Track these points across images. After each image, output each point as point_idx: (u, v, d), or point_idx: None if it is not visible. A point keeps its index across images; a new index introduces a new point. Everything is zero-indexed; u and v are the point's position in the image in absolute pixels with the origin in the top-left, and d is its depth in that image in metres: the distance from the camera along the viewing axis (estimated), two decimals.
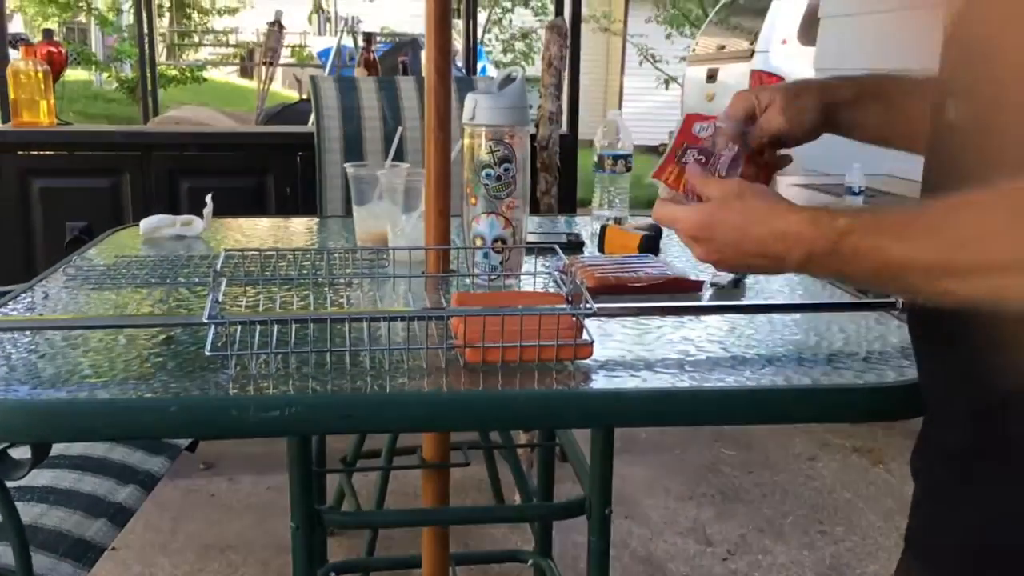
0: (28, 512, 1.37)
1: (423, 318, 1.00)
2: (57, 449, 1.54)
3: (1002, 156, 0.64)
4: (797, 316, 1.16)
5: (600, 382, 0.93)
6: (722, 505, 2.82)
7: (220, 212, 1.68)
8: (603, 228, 1.53)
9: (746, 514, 2.77)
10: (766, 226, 0.78)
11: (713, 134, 0.99)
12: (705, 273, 1.25)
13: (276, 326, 0.97)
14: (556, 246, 1.25)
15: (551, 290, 1.20)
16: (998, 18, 0.64)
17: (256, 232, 1.72)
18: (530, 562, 2.10)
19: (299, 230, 1.79)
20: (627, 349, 1.02)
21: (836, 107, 1.01)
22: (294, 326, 0.99)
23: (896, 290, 0.67)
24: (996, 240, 0.63)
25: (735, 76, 7.51)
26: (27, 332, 1.04)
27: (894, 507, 2.81)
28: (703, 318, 1.13)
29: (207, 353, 0.91)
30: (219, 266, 1.07)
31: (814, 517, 2.78)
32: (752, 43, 7.34)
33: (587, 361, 0.97)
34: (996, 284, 0.64)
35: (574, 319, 0.97)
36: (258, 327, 0.97)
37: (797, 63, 6.64)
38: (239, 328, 0.97)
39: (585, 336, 0.97)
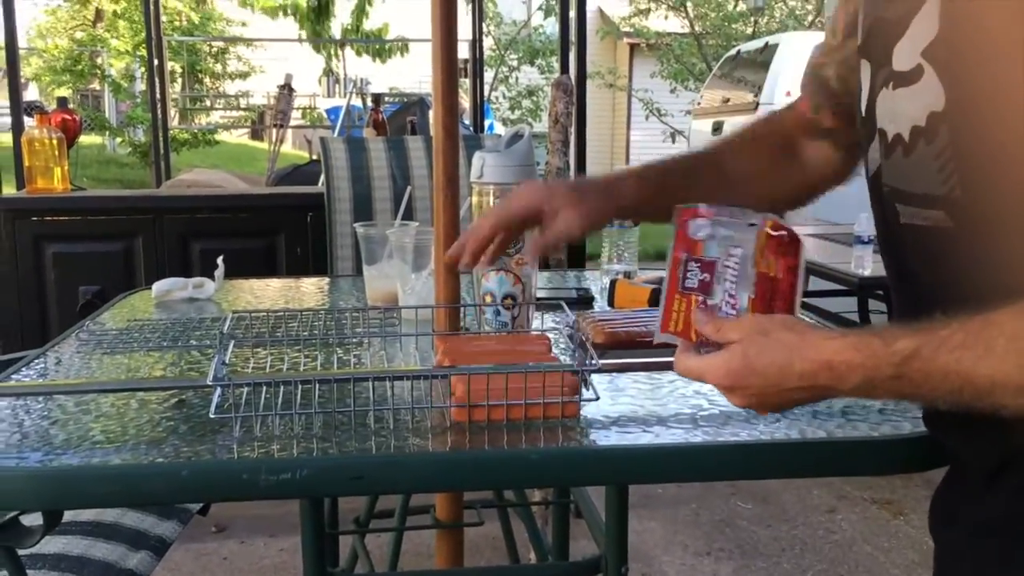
0: None
1: (424, 377, 1.00)
2: (69, 515, 1.53)
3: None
4: None
5: (613, 438, 0.92)
6: (740, 560, 2.77)
7: (232, 274, 1.70)
8: (613, 283, 1.53)
9: (765, 569, 2.72)
10: (806, 360, 0.72)
11: (711, 231, 0.85)
12: None
13: (283, 388, 0.97)
14: (563, 302, 1.25)
15: (561, 345, 1.20)
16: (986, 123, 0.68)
17: (267, 293, 1.73)
18: None
19: (310, 290, 1.80)
20: (639, 404, 1.02)
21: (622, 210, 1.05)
22: (300, 387, 0.99)
23: (980, 408, 0.64)
24: None
25: None
26: (40, 398, 1.04)
27: (916, 559, 2.76)
28: None
29: (212, 415, 0.91)
30: (226, 328, 1.08)
31: (835, 572, 2.72)
32: (756, 95, 7.41)
33: (599, 417, 0.96)
34: None
35: (565, 376, 0.96)
36: (264, 389, 0.97)
37: None
38: (245, 390, 0.97)
39: (589, 393, 0.96)
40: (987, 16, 0.67)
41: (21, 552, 1.14)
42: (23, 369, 1.19)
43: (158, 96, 4.68)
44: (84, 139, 10.93)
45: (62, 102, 3.86)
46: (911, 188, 0.76)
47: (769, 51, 7.66)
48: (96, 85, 15.14)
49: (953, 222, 0.73)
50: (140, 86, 12.64)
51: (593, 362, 0.98)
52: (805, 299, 1.15)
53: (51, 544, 1.46)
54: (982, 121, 0.69)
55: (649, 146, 13.51)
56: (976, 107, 0.70)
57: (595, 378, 1.01)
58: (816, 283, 3.98)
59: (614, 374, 1.11)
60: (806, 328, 0.76)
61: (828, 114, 1.02)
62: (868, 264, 3.07)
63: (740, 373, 0.76)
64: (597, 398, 0.96)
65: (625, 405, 1.01)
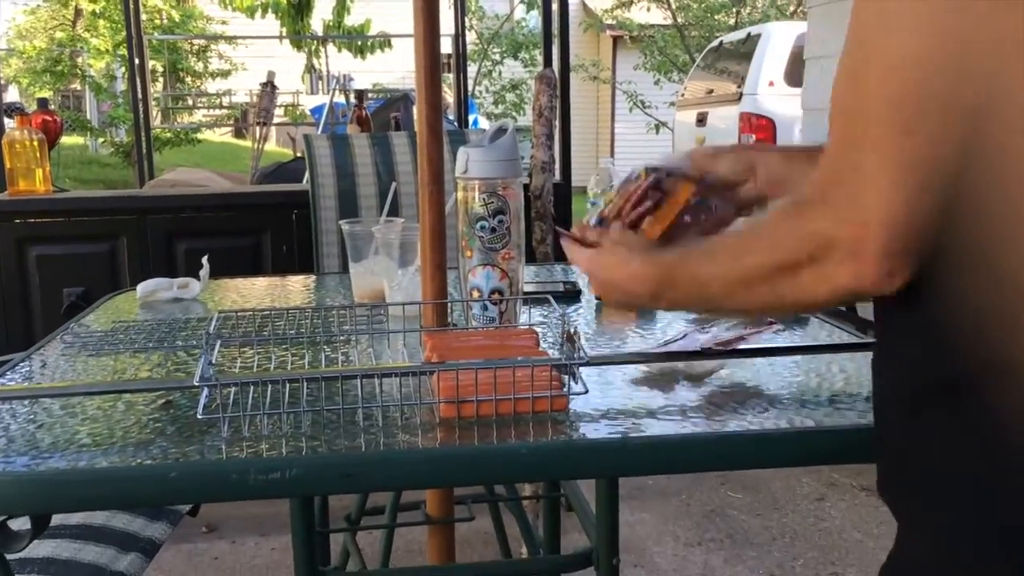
0: None
1: (412, 374, 1.00)
2: (57, 519, 1.52)
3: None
4: (797, 358, 1.16)
5: (602, 431, 0.92)
6: (731, 550, 2.78)
7: (217, 273, 1.69)
8: None
9: (756, 558, 2.74)
10: (622, 270, 0.90)
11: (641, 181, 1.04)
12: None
13: (270, 387, 0.97)
14: (550, 296, 1.25)
15: (549, 339, 1.20)
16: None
17: (253, 292, 1.72)
18: None
19: (296, 288, 1.79)
20: (628, 397, 1.02)
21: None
22: (288, 386, 0.98)
23: (711, 311, 0.85)
24: (763, 243, 0.74)
25: (724, 119, 7.59)
26: (25, 402, 1.03)
27: None
28: (703, 363, 1.13)
29: (199, 416, 0.90)
30: (212, 327, 1.07)
31: (825, 559, 2.74)
32: (740, 86, 7.43)
33: (588, 410, 0.96)
34: (768, 289, 0.73)
35: (551, 370, 0.96)
36: (252, 388, 0.97)
37: (784, 104, 6.71)
38: (232, 390, 0.97)
39: (579, 386, 0.96)
40: None
41: (9, 557, 1.13)
42: (8, 372, 1.18)
43: (140, 95, 4.65)
44: (66, 140, 10.85)
45: (42, 103, 3.83)
46: None
47: (752, 41, 7.67)
48: (77, 86, 15.03)
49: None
50: (121, 86, 12.56)
51: (581, 355, 0.98)
52: None
53: (40, 548, 1.46)
54: None
55: (633, 138, 13.53)
56: None
57: (584, 371, 1.01)
58: None
59: (603, 367, 1.11)
60: (633, 248, 0.92)
61: None
62: None
63: (590, 273, 0.98)
64: (586, 391, 0.96)
65: (614, 398, 1.01)
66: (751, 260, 0.75)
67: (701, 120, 8.14)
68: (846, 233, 0.65)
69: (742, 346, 1.11)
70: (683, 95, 9.20)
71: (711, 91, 8.26)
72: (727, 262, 0.78)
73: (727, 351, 1.11)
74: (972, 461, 0.65)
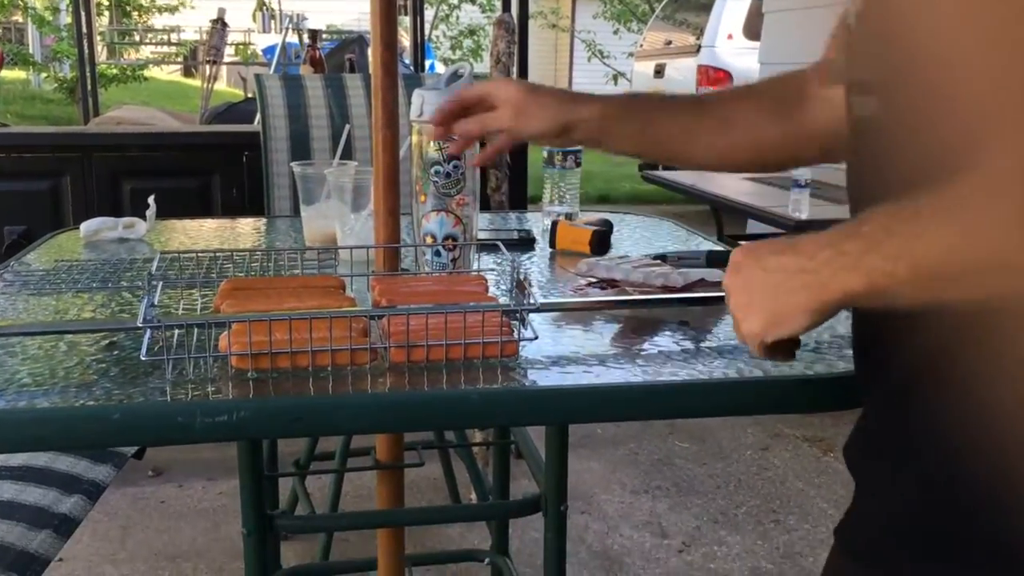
0: None
1: (362, 317, 0.99)
2: None
3: (936, 148, 0.62)
4: None
5: (553, 379, 0.92)
6: (677, 497, 2.84)
7: (164, 214, 1.65)
8: (554, 224, 1.53)
9: (701, 506, 2.79)
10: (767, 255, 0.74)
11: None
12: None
13: (215, 329, 0.95)
14: (501, 243, 1.25)
15: (502, 287, 1.19)
16: (905, 9, 0.64)
17: (201, 234, 1.69)
18: (487, 560, 2.09)
19: (246, 231, 1.76)
20: (579, 344, 1.02)
21: (575, 124, 1.06)
22: (234, 328, 0.97)
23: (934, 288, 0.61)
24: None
25: (682, 71, 7.58)
26: None
27: (845, 495, 2.85)
28: (655, 312, 1.14)
29: (143, 358, 0.88)
30: (154, 268, 1.05)
31: (767, 507, 2.81)
32: (698, 38, 7.41)
33: (539, 357, 0.96)
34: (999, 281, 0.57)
35: (501, 316, 0.96)
36: (196, 330, 0.95)
37: (743, 58, 6.72)
38: (177, 332, 0.95)
39: (529, 332, 0.96)
40: None
41: None
42: None
43: (84, 29, 4.50)
44: (7, 74, 10.50)
45: None
46: (853, 73, 0.75)
47: None
48: (19, 18, 14.49)
49: (887, 111, 0.70)
50: (65, 19, 12.14)
51: (531, 301, 0.98)
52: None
53: None
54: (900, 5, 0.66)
55: (592, 88, 13.41)
56: None
57: (536, 318, 1.01)
58: (754, 226, 4.04)
59: (555, 314, 1.11)
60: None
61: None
62: (805, 208, 3.11)
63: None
64: (536, 337, 0.96)
65: (565, 345, 1.01)
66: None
67: (659, 71, 8.12)
68: None
69: (698, 291, 1.12)
70: (642, 45, 9.15)
71: (670, 42, 8.23)
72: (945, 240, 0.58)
73: (677, 299, 1.11)
74: (945, 438, 0.66)
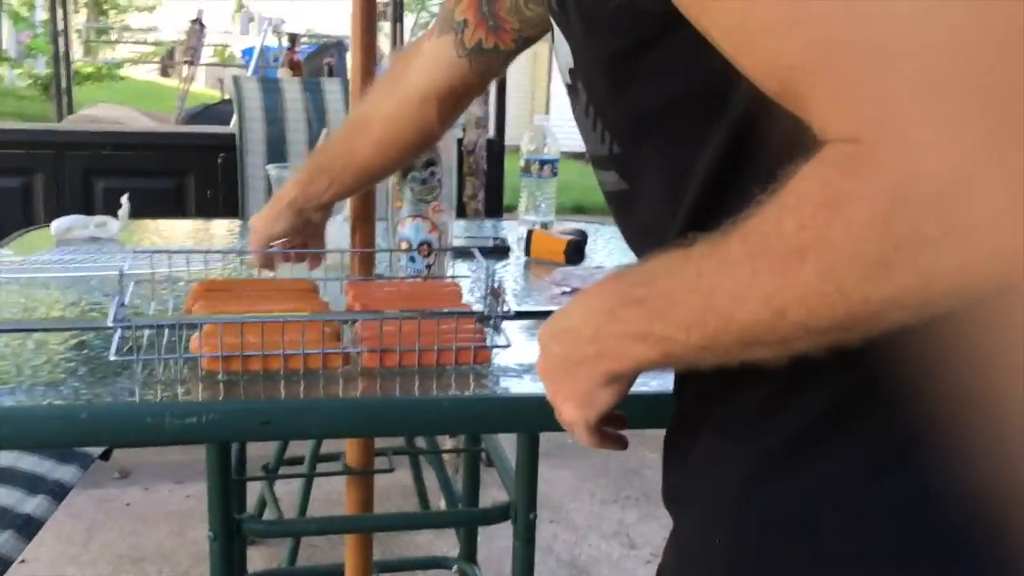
0: None
1: (334, 321, 0.98)
2: None
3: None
4: None
5: (525, 386, 0.93)
6: (646, 507, 2.84)
7: (138, 214, 1.64)
8: (530, 233, 1.53)
9: (668, 516, 2.80)
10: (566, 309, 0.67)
11: None
12: None
13: (186, 330, 0.94)
14: (476, 251, 1.25)
15: (476, 294, 1.20)
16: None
17: (175, 234, 1.68)
18: (455, 568, 2.09)
19: (219, 232, 1.75)
20: None
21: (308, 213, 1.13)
22: (203, 330, 0.96)
23: (730, 352, 0.52)
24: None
25: None
26: None
27: None
28: None
29: (112, 358, 0.88)
30: (126, 268, 1.04)
31: None
32: None
33: (512, 365, 0.96)
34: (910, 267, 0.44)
35: (474, 323, 0.96)
36: (167, 331, 0.94)
37: None
38: (147, 332, 0.94)
39: (502, 340, 0.96)
40: None
41: None
42: None
43: (60, 26, 4.46)
44: None
45: None
46: (590, 150, 0.69)
47: None
48: None
49: (627, 183, 0.66)
50: (41, 15, 12.03)
51: (505, 309, 0.98)
52: None
53: None
54: (599, 74, 0.62)
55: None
56: (591, 61, 0.62)
57: (510, 326, 1.01)
58: None
59: (530, 321, 1.11)
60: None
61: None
62: None
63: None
64: (509, 345, 0.97)
65: (538, 353, 1.01)
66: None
67: None
68: None
69: None
70: None
71: None
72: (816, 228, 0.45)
73: None
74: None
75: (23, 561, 2.32)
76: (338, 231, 1.35)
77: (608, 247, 1.63)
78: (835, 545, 0.54)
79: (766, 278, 0.46)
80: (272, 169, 1.50)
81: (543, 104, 14.33)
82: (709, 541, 0.61)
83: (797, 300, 0.45)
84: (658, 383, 0.93)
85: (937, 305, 0.43)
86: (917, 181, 0.40)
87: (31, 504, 1.45)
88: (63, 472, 1.55)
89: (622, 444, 0.71)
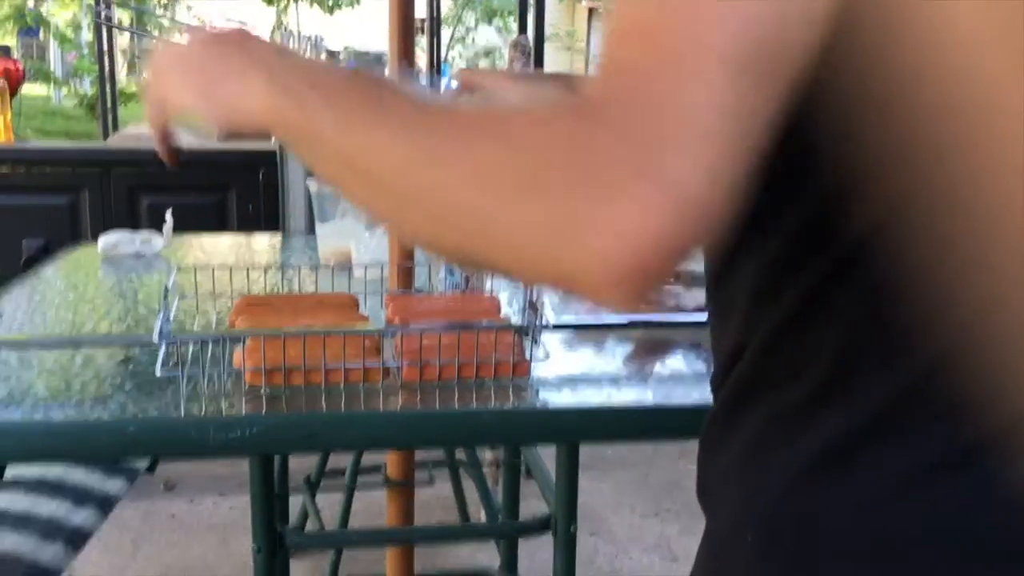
0: None
1: (375, 335, 0.99)
2: (12, 472, 1.51)
3: None
4: None
5: (564, 398, 0.93)
6: (687, 521, 2.82)
7: (181, 229, 1.66)
8: None
9: None
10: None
11: None
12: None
13: (230, 344, 0.96)
14: None
15: (514, 306, 1.20)
16: None
17: (217, 249, 1.70)
18: None
19: (261, 247, 1.77)
20: (591, 365, 1.02)
21: None
22: (247, 344, 0.98)
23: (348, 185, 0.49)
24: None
25: None
26: None
27: None
28: (668, 333, 1.14)
29: (158, 373, 0.89)
30: (170, 283, 1.06)
31: None
32: None
33: (551, 377, 0.96)
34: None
35: (513, 335, 0.97)
36: (211, 345, 0.96)
37: None
38: (191, 347, 0.96)
39: (541, 352, 0.97)
40: None
41: None
42: None
43: (105, 47, 4.56)
44: (29, 90, 10.61)
45: (4, 50, 3.74)
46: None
47: None
48: (41, 35, 14.68)
49: None
50: (87, 36, 12.29)
51: (544, 321, 0.98)
52: None
53: None
54: None
55: None
56: None
57: (548, 338, 1.02)
58: None
59: (568, 332, 1.11)
60: None
61: None
62: None
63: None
64: (547, 357, 0.97)
65: (577, 365, 1.02)
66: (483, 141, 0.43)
67: None
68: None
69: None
70: None
71: None
72: (442, 128, 0.44)
73: (695, 323, 1.11)
74: None
75: (71, 574, 2.36)
76: (377, 245, 1.36)
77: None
78: (874, 561, 0.53)
79: (409, 133, 0.45)
80: (312, 183, 1.52)
81: None
82: (740, 539, 0.60)
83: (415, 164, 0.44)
84: (699, 395, 0.93)
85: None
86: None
87: (80, 516, 1.47)
88: (111, 485, 1.58)
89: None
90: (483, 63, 14.10)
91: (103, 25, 5.56)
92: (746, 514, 0.59)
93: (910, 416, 0.52)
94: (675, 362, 1.04)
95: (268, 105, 0.53)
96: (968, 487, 0.50)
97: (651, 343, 1.11)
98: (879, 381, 0.52)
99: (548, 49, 3.57)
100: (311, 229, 1.85)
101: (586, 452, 1.71)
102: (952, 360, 0.48)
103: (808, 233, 0.52)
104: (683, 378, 0.98)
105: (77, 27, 12.97)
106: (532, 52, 2.99)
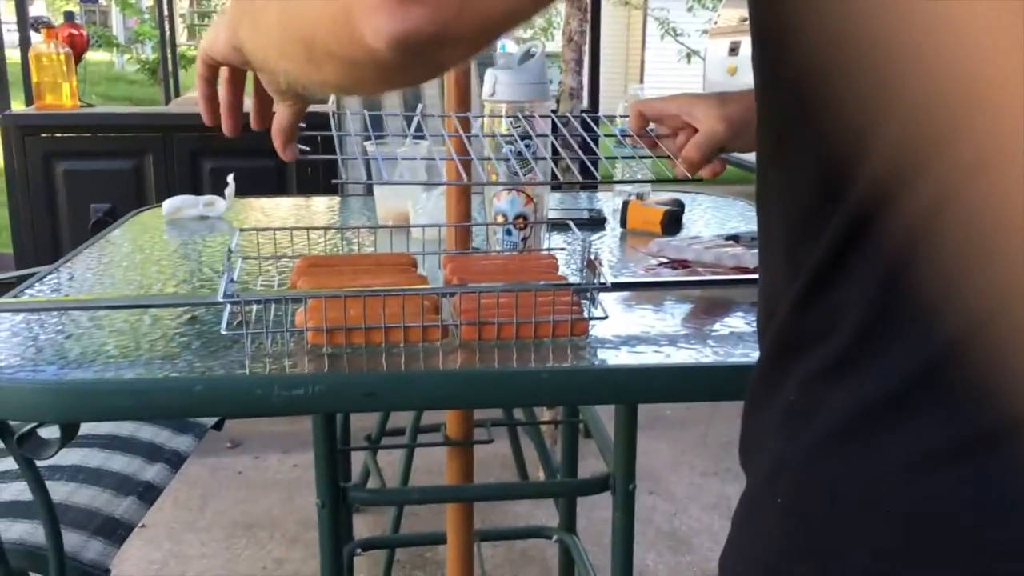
0: (58, 491, 1.39)
1: (434, 294, 1.00)
2: (86, 428, 1.56)
3: None
4: None
5: (623, 358, 0.93)
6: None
7: (242, 192, 1.69)
8: (625, 204, 1.52)
9: None
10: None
11: None
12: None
13: (291, 304, 0.97)
14: (571, 222, 1.25)
15: (572, 266, 1.20)
16: None
17: (278, 212, 1.72)
18: (555, 538, 2.11)
19: (320, 209, 1.79)
20: (650, 324, 1.02)
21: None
22: (308, 304, 0.99)
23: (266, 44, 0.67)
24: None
25: None
26: (53, 313, 1.05)
27: None
28: (727, 291, 1.13)
29: (223, 332, 0.91)
30: (233, 245, 1.08)
31: None
32: None
33: (609, 336, 0.96)
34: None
35: (571, 295, 0.96)
36: (274, 306, 0.97)
37: None
38: (255, 307, 0.97)
39: (599, 311, 0.96)
40: None
41: (39, 463, 1.16)
42: (36, 284, 1.19)
43: (165, 12, 4.60)
44: (92, 56, 10.80)
45: (69, 16, 3.80)
46: None
47: None
48: (103, 0, 14.89)
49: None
50: (147, 1, 12.44)
51: (602, 281, 0.98)
52: None
53: (69, 456, 1.50)
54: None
55: (664, 67, 13.28)
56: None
57: (606, 298, 1.01)
58: None
59: (627, 292, 1.11)
60: None
61: None
62: None
63: None
64: (606, 317, 0.96)
65: (635, 325, 1.01)
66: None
67: (734, 50, 7.97)
68: None
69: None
70: (716, 23, 8.99)
71: (745, 19, 8.06)
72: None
73: (753, 279, 1.10)
74: None
75: (144, 526, 2.44)
76: (434, 205, 1.37)
77: (705, 216, 1.61)
78: (902, 531, 0.52)
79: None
80: (369, 146, 1.52)
81: (637, 74, 14.13)
82: (771, 501, 0.59)
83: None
84: (758, 355, 0.92)
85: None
86: None
87: (151, 472, 1.52)
88: (180, 442, 1.62)
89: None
90: (539, 20, 13.95)
91: None
92: (778, 476, 0.59)
93: (940, 386, 0.50)
94: (734, 321, 1.03)
95: (228, 35, 0.76)
96: (1000, 461, 0.49)
97: (710, 303, 1.10)
98: (905, 349, 0.51)
99: (605, 5, 3.52)
100: (369, 190, 1.86)
101: (644, 411, 1.71)
102: (982, 333, 0.47)
103: (825, 185, 0.52)
104: (742, 337, 0.97)
105: None
106: (589, 8, 2.95)
